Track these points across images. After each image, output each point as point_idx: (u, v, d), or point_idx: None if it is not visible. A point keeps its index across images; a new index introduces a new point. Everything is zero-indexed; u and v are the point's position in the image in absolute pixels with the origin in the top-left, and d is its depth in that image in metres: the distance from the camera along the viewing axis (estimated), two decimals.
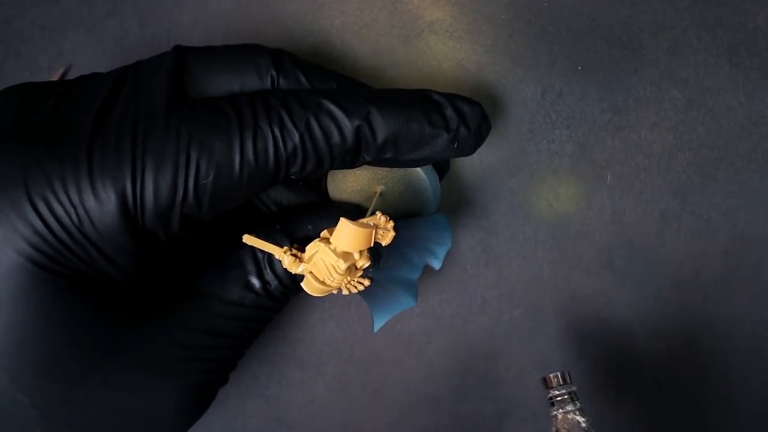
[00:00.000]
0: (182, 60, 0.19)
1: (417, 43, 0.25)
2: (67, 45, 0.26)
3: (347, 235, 0.18)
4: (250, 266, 0.20)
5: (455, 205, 0.26)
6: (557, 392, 0.22)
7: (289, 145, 0.17)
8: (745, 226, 0.25)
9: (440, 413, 0.27)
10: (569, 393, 0.22)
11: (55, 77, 0.26)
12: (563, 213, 0.26)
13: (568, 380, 0.22)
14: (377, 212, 0.20)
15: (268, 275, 0.20)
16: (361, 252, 0.19)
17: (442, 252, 0.24)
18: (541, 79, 0.25)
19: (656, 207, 0.25)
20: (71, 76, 0.26)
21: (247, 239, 0.19)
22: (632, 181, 0.25)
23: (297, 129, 0.17)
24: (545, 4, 0.25)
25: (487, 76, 0.25)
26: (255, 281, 0.20)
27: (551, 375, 0.22)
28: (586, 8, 0.25)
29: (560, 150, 0.25)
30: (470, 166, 0.26)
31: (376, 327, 0.23)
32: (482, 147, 0.22)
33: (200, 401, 0.20)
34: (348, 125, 0.18)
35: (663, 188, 0.25)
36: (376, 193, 0.21)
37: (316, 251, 0.19)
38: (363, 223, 0.19)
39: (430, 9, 0.25)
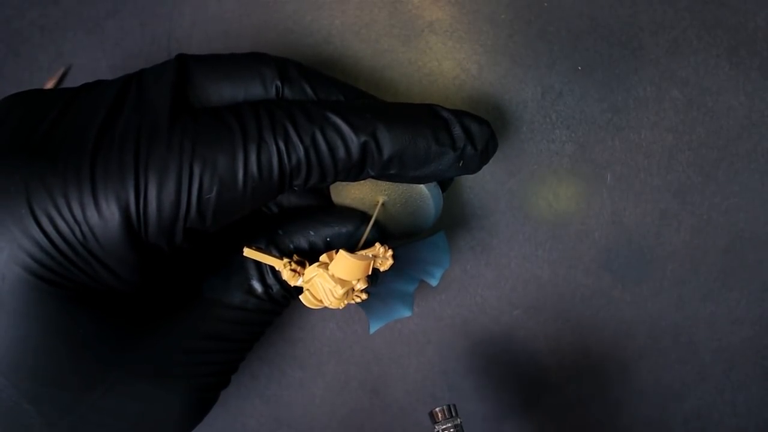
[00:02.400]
0: (185, 69, 0.19)
1: (417, 43, 0.25)
2: (67, 45, 0.26)
3: (346, 266, 0.18)
4: (252, 271, 0.20)
5: (455, 205, 0.26)
6: (443, 426, 0.21)
7: (294, 159, 0.17)
8: (745, 226, 0.25)
9: None
10: (455, 426, 0.21)
11: (54, 78, 0.26)
12: (563, 213, 0.26)
13: (454, 413, 0.22)
14: (377, 243, 0.20)
15: (270, 279, 0.20)
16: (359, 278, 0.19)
17: (439, 272, 0.24)
18: (541, 79, 0.25)
19: (656, 207, 0.25)
20: (71, 76, 0.26)
21: (248, 252, 0.19)
22: (632, 181, 0.25)
23: (302, 142, 0.17)
24: (545, 4, 0.25)
25: (487, 76, 0.25)
26: (257, 285, 0.20)
27: (437, 409, 0.22)
28: (586, 8, 0.25)
29: (560, 150, 0.25)
30: None
31: (372, 331, 0.24)
32: None
33: (203, 404, 0.21)
34: (354, 140, 0.17)
35: (663, 188, 0.25)
36: (378, 203, 0.21)
37: (315, 275, 0.19)
38: (362, 255, 0.19)
39: (430, 9, 0.25)
